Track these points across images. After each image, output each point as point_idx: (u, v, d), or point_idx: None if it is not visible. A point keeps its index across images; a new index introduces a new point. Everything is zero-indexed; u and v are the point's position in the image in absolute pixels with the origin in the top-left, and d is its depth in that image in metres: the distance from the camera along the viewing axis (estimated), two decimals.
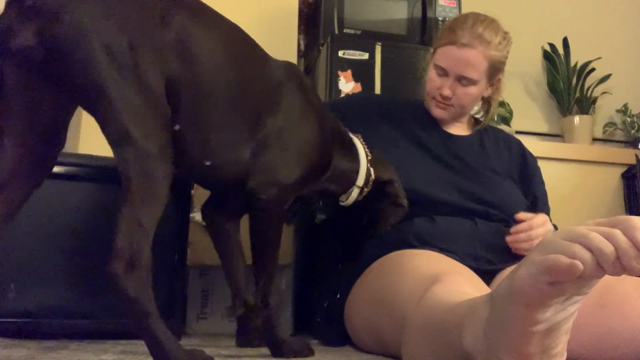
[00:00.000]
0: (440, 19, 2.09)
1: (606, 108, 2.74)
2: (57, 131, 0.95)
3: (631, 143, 2.68)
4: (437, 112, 1.45)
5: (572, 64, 2.64)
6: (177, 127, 0.97)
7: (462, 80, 1.38)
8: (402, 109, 1.53)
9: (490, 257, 1.27)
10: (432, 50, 1.48)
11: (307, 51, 2.31)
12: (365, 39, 1.99)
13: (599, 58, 2.62)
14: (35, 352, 1.01)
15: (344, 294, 1.32)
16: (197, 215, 1.54)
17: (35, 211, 1.22)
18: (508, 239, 1.29)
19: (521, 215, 1.30)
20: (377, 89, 1.95)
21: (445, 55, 1.38)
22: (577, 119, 2.60)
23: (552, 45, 2.65)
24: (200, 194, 1.34)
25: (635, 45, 2.86)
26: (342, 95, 1.92)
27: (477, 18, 1.38)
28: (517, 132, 2.39)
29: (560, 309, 0.59)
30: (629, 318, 0.93)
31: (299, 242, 1.79)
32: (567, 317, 0.60)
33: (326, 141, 1.20)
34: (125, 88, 0.84)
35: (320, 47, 2.03)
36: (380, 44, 1.96)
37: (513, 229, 1.29)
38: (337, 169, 1.24)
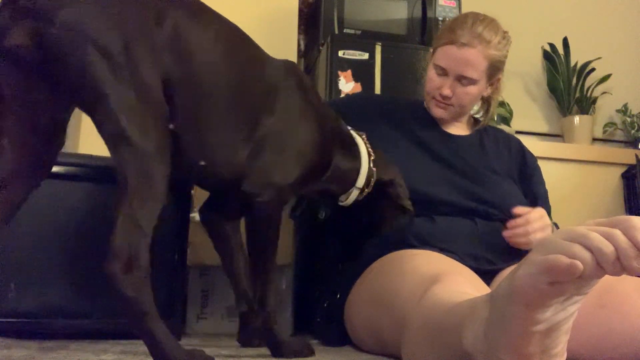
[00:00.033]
0: (440, 19, 2.09)
1: (606, 108, 2.74)
2: (56, 131, 0.95)
3: (631, 143, 2.68)
4: (437, 111, 1.45)
5: (572, 64, 2.64)
6: (171, 126, 0.96)
7: (462, 79, 1.38)
8: (401, 109, 1.53)
9: (490, 257, 1.27)
10: (431, 50, 1.48)
11: (307, 51, 2.31)
12: (365, 39, 1.99)
13: (599, 58, 2.62)
14: (35, 352, 1.01)
15: (344, 294, 1.32)
16: (197, 215, 1.54)
17: (35, 211, 1.22)
18: (505, 233, 1.29)
19: (518, 209, 1.30)
20: (377, 89, 1.95)
21: (445, 54, 1.38)
22: (577, 119, 2.60)
23: (552, 45, 2.65)
24: (200, 194, 1.34)
25: (635, 45, 2.86)
26: (342, 95, 1.92)
27: (477, 18, 1.38)
28: (517, 132, 2.39)
29: (560, 309, 0.59)
30: (629, 318, 0.93)
31: (299, 242, 1.79)
32: (567, 317, 0.60)
33: (326, 141, 1.19)
34: (121, 88, 0.84)
35: (320, 47, 2.03)
36: (380, 44, 1.96)
37: (510, 224, 1.29)
38: (337, 169, 1.22)
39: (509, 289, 0.60)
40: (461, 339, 0.68)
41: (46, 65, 0.84)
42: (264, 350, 1.08)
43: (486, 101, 1.52)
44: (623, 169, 2.39)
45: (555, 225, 1.44)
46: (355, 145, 1.28)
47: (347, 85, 1.92)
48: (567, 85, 2.63)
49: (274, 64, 1.16)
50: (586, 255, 0.54)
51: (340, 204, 1.30)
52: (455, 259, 1.19)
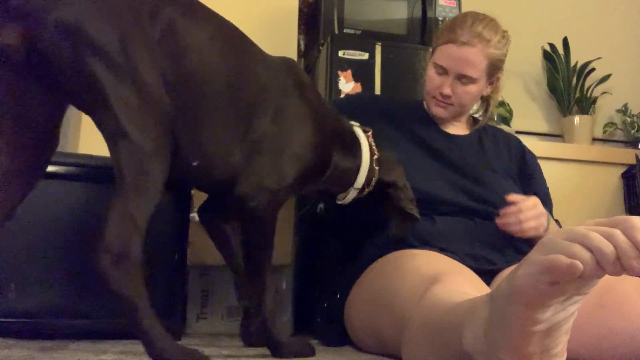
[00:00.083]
0: (440, 19, 2.09)
1: (606, 108, 2.74)
2: (50, 131, 0.94)
3: (631, 143, 2.68)
4: (437, 111, 1.45)
5: (572, 64, 2.64)
6: None
7: (462, 78, 1.38)
8: (401, 109, 1.53)
9: (490, 257, 1.27)
10: (431, 49, 1.48)
11: (307, 51, 2.31)
12: (365, 39, 1.99)
13: (599, 58, 2.62)
14: (35, 352, 1.01)
15: (344, 294, 1.32)
16: (197, 215, 1.54)
17: (35, 211, 1.22)
18: (497, 221, 1.29)
19: (512, 197, 1.30)
20: (377, 89, 1.95)
21: (445, 53, 1.38)
22: (577, 119, 2.60)
23: (552, 45, 2.65)
24: (200, 194, 1.34)
25: (635, 45, 2.86)
26: (342, 95, 1.92)
27: (477, 17, 1.38)
28: (517, 132, 2.39)
29: (560, 309, 0.59)
30: (629, 318, 0.93)
31: (299, 242, 1.79)
32: (567, 317, 0.60)
33: (324, 142, 1.16)
34: (121, 87, 0.84)
35: (320, 47, 2.03)
36: (380, 44, 1.96)
37: (503, 211, 1.29)
38: (337, 169, 1.20)
39: (509, 289, 0.60)
40: (461, 339, 0.68)
41: (39, 66, 0.84)
42: (264, 350, 1.08)
43: (485, 100, 1.52)
44: (623, 169, 2.39)
45: (557, 222, 1.44)
46: (356, 144, 1.25)
47: (347, 85, 1.92)
48: (567, 85, 2.63)
49: (271, 62, 1.14)
50: (586, 255, 0.54)
51: (338, 202, 1.29)
52: (455, 259, 1.19)
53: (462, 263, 1.19)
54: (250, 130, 1.06)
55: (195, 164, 1.02)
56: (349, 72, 1.92)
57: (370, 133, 1.29)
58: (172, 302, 1.37)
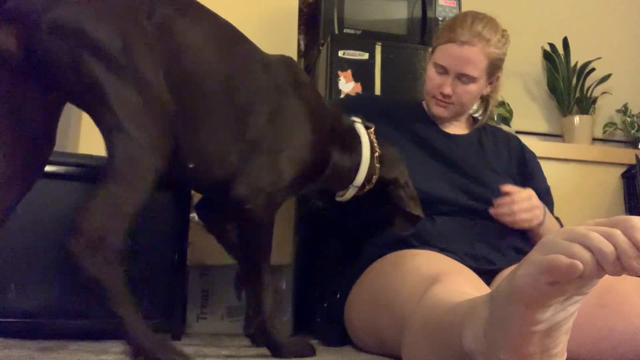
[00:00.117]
0: (440, 19, 2.09)
1: (606, 108, 2.74)
2: (47, 131, 0.93)
3: (631, 143, 2.68)
4: (438, 110, 1.45)
5: (572, 64, 2.64)
6: None
7: (463, 77, 1.39)
8: (400, 109, 1.53)
9: (490, 257, 1.27)
10: (430, 49, 1.48)
11: (307, 51, 2.31)
12: (365, 39, 1.99)
13: (599, 58, 2.62)
14: (35, 352, 1.01)
15: (344, 294, 1.32)
16: (197, 215, 1.54)
17: (35, 211, 1.22)
18: (491, 210, 1.30)
19: (506, 187, 1.31)
20: (377, 89, 1.95)
21: (445, 53, 1.38)
22: (577, 119, 2.60)
23: (552, 45, 2.65)
24: (200, 194, 1.33)
25: (635, 45, 2.86)
26: (342, 95, 1.92)
27: (476, 16, 1.39)
28: (517, 132, 2.38)
29: (560, 309, 0.59)
30: (629, 318, 0.93)
31: (299, 242, 1.79)
32: (567, 317, 0.60)
33: (322, 141, 1.15)
34: (120, 85, 0.83)
35: (320, 47, 2.03)
36: (380, 44, 1.96)
37: (496, 201, 1.30)
38: (336, 168, 1.19)
39: (509, 289, 0.60)
40: (461, 339, 0.68)
41: (37, 68, 0.83)
42: (264, 351, 1.08)
43: (485, 100, 1.53)
44: (623, 169, 2.38)
45: (558, 220, 1.44)
46: (357, 141, 1.24)
47: (347, 85, 1.92)
48: (567, 85, 2.63)
49: (269, 60, 1.13)
50: (586, 255, 0.54)
51: (337, 199, 1.29)
52: (455, 259, 1.19)
53: (462, 263, 1.19)
54: (247, 130, 1.04)
55: (191, 165, 1.01)
56: (349, 72, 1.92)
57: (372, 129, 1.27)
58: (172, 302, 1.37)
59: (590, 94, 2.63)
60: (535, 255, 0.58)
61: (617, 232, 0.54)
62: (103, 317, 1.29)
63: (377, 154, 1.24)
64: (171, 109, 0.90)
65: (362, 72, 1.93)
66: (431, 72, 1.43)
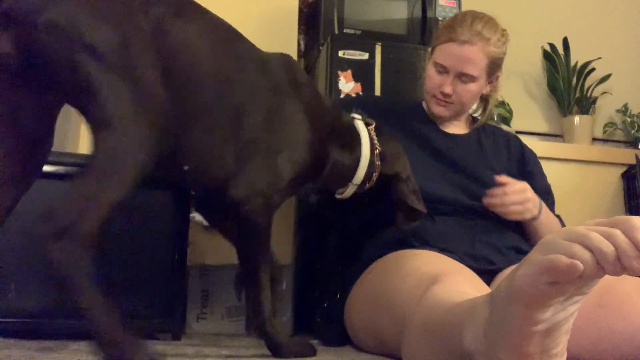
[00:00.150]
0: (440, 19, 2.09)
1: (606, 108, 2.74)
2: (43, 133, 0.93)
3: (631, 143, 2.67)
4: (438, 110, 1.46)
5: (572, 64, 2.64)
6: None
7: (463, 77, 1.39)
8: (400, 109, 1.54)
9: (490, 257, 1.27)
10: (430, 49, 1.48)
11: (307, 51, 2.31)
12: (365, 39, 1.99)
13: (599, 58, 2.62)
14: (35, 352, 1.01)
15: (344, 294, 1.32)
16: (197, 215, 1.54)
17: (35, 211, 1.22)
18: (483, 200, 1.32)
19: (500, 178, 1.32)
20: (377, 89, 1.95)
21: (445, 52, 1.38)
22: (577, 119, 2.59)
23: (552, 45, 2.65)
24: None
25: (635, 45, 2.86)
26: (342, 95, 1.92)
27: (476, 16, 1.39)
28: (517, 132, 2.38)
29: (560, 309, 0.59)
30: (629, 318, 0.93)
31: (299, 242, 1.79)
32: (567, 317, 0.60)
33: (320, 141, 1.14)
34: (114, 83, 0.82)
35: (320, 47, 2.03)
36: (380, 44, 1.96)
37: (489, 192, 1.31)
38: (335, 167, 1.18)
39: (509, 289, 0.60)
40: (461, 339, 0.68)
41: (34, 69, 0.82)
42: (264, 350, 1.08)
43: (484, 99, 1.53)
44: (623, 169, 2.38)
45: (559, 217, 1.45)
46: (356, 139, 1.23)
47: (347, 85, 1.92)
48: (567, 85, 2.63)
49: (266, 59, 1.11)
50: (586, 255, 0.54)
51: (337, 197, 1.28)
52: (455, 259, 1.19)
53: (462, 263, 1.19)
54: (243, 131, 1.03)
55: (186, 167, 1.00)
56: (349, 72, 1.92)
57: (372, 126, 1.26)
58: (172, 302, 1.37)
59: (590, 94, 2.63)
60: (535, 255, 0.58)
61: (618, 232, 0.54)
62: None
63: (377, 151, 1.23)
64: (168, 107, 0.89)
65: (362, 72, 1.93)
66: (431, 72, 1.43)
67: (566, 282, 0.55)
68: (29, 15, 0.80)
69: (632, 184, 2.33)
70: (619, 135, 2.73)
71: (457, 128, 1.51)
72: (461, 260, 1.21)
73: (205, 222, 1.54)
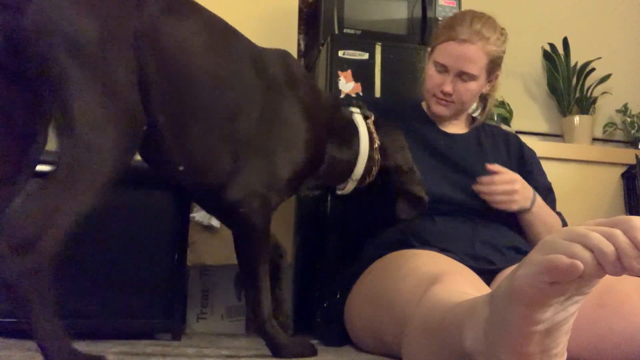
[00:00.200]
0: (440, 18, 2.09)
1: (606, 108, 2.74)
2: (33, 130, 0.90)
3: (631, 143, 2.67)
4: (438, 109, 1.46)
5: (572, 64, 2.64)
6: (145, 128, 0.90)
7: (463, 75, 1.39)
8: (399, 110, 1.54)
9: (490, 257, 1.27)
10: (429, 48, 1.49)
11: (307, 51, 2.31)
12: (365, 39, 1.99)
13: (599, 58, 2.62)
14: (35, 352, 1.01)
15: (344, 294, 1.32)
16: (197, 215, 1.54)
17: None
18: (473, 186, 1.34)
19: (490, 167, 1.35)
20: (377, 89, 1.95)
21: (445, 51, 1.39)
22: (577, 119, 2.59)
23: (552, 45, 2.65)
24: None
25: (635, 45, 2.86)
26: (342, 95, 1.92)
27: (475, 15, 1.40)
28: (517, 132, 2.38)
29: (560, 309, 0.59)
30: (629, 318, 0.92)
31: (299, 242, 1.79)
32: (567, 317, 0.60)
33: (317, 137, 1.13)
34: (83, 82, 0.79)
35: (320, 47, 2.03)
36: (380, 44, 1.96)
37: (478, 179, 1.34)
38: (332, 162, 1.17)
39: (509, 289, 0.60)
40: (461, 339, 0.68)
41: (17, 61, 0.80)
42: (264, 350, 1.08)
43: (483, 99, 1.53)
44: (623, 169, 2.38)
45: (560, 215, 1.45)
46: (354, 134, 1.21)
47: (347, 85, 1.91)
48: (567, 85, 2.63)
49: (262, 56, 1.10)
50: (586, 255, 0.54)
51: (338, 192, 1.28)
52: (455, 259, 1.19)
53: (462, 263, 1.19)
54: (238, 131, 1.02)
55: (181, 168, 0.99)
56: (349, 72, 1.92)
57: (371, 120, 1.25)
58: (172, 302, 1.37)
59: (590, 94, 2.63)
60: (535, 255, 0.58)
61: (618, 232, 0.54)
62: (103, 317, 1.30)
63: (376, 144, 1.22)
64: (141, 111, 0.86)
65: (362, 72, 1.93)
66: (431, 71, 1.43)
67: (566, 282, 0.55)
68: (19, 2, 0.79)
69: (632, 184, 2.33)
70: (619, 135, 2.73)
71: (457, 127, 1.52)
72: (461, 260, 1.20)
73: (205, 222, 1.55)
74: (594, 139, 2.67)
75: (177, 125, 0.97)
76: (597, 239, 0.54)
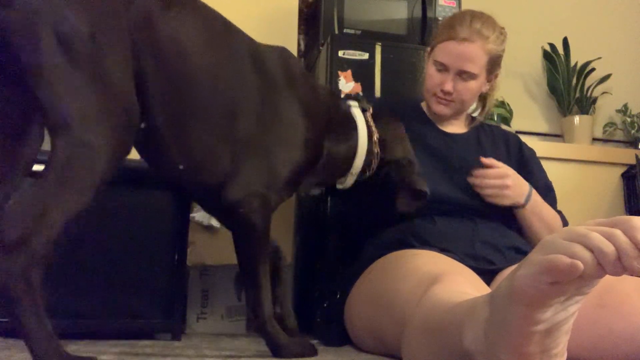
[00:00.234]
0: (440, 19, 2.09)
1: (606, 108, 2.74)
2: (29, 129, 0.88)
3: (631, 143, 2.67)
4: (438, 108, 1.46)
5: (572, 64, 2.64)
6: (142, 125, 0.89)
7: (463, 74, 1.39)
8: (399, 109, 1.54)
9: (490, 257, 1.27)
10: (429, 48, 1.49)
11: (307, 51, 2.31)
12: (365, 39, 1.99)
13: (599, 58, 2.62)
14: None
15: (344, 294, 1.32)
16: (197, 215, 1.54)
17: None
18: (467, 178, 1.36)
19: (484, 160, 1.36)
20: (377, 89, 1.95)
21: (445, 50, 1.39)
22: (577, 119, 2.60)
23: (552, 45, 2.65)
24: None
25: (635, 45, 2.86)
26: (342, 95, 1.91)
27: (474, 14, 1.41)
28: (517, 132, 2.38)
29: (560, 309, 0.59)
30: (629, 318, 0.92)
31: (299, 242, 1.79)
32: (567, 317, 0.60)
33: (315, 135, 1.12)
34: (73, 76, 0.78)
35: (320, 47, 2.03)
36: (380, 44, 1.96)
37: (471, 171, 1.36)
38: (330, 158, 1.17)
39: (509, 289, 0.60)
40: (461, 339, 0.68)
41: (6, 57, 0.78)
42: (264, 350, 1.08)
43: (483, 98, 1.53)
44: (623, 169, 2.38)
45: (560, 213, 1.45)
46: (352, 127, 1.20)
47: (347, 85, 1.91)
48: (567, 85, 2.63)
49: (260, 52, 1.09)
50: (587, 255, 0.54)
51: (338, 186, 1.27)
52: (455, 259, 1.19)
53: (462, 263, 1.19)
54: (237, 129, 1.01)
55: (181, 167, 0.98)
56: (349, 72, 1.92)
57: (369, 112, 1.25)
58: (172, 302, 1.37)
59: (590, 94, 2.63)
60: (535, 255, 0.58)
61: (618, 232, 0.54)
62: (103, 317, 1.30)
63: (375, 137, 1.21)
64: (136, 108, 0.85)
65: (362, 72, 1.93)
66: (431, 70, 1.44)
67: (567, 282, 0.55)
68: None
69: (632, 184, 2.33)
70: (619, 135, 2.73)
71: (456, 127, 1.52)
72: (461, 260, 1.20)
73: (205, 222, 1.55)
74: (594, 139, 2.67)
75: (176, 123, 0.96)
76: (598, 239, 0.54)
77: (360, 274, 1.29)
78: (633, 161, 2.32)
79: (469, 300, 0.73)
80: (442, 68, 1.41)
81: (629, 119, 2.67)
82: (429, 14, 2.09)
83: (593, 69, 2.62)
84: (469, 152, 1.45)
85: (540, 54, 2.72)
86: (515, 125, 2.51)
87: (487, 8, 1.44)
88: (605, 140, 2.73)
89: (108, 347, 1.13)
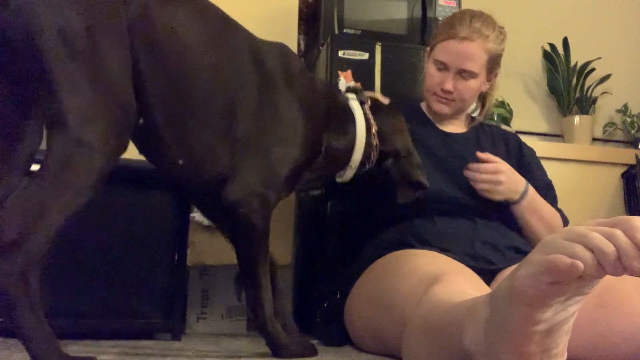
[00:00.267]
0: (440, 18, 2.09)
1: (606, 108, 2.74)
2: (27, 128, 0.88)
3: (631, 143, 2.67)
4: (439, 107, 1.46)
5: (572, 64, 2.64)
6: (141, 121, 0.88)
7: (463, 73, 1.40)
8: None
9: (490, 257, 1.27)
10: (429, 48, 1.49)
11: (307, 51, 2.31)
12: (365, 39, 1.99)
13: (599, 58, 2.62)
14: None
15: (344, 294, 1.32)
16: (197, 215, 1.54)
17: None
18: (464, 172, 1.37)
19: (480, 155, 1.37)
20: (377, 89, 1.95)
21: (445, 49, 1.39)
22: (577, 119, 2.60)
23: (552, 45, 2.65)
24: None
25: (635, 45, 2.86)
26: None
27: (474, 14, 1.41)
28: (517, 132, 2.38)
29: (560, 309, 0.59)
30: (629, 318, 0.92)
31: (299, 242, 1.79)
32: (567, 317, 0.60)
33: (314, 131, 1.12)
34: (71, 74, 0.77)
35: (320, 47, 2.03)
36: (380, 44, 1.96)
37: (467, 165, 1.36)
38: (329, 152, 1.16)
39: (509, 289, 0.60)
40: (461, 339, 0.68)
41: (3, 54, 0.78)
42: (264, 350, 1.08)
43: (482, 98, 1.53)
44: (623, 169, 2.38)
45: (561, 212, 1.45)
46: (350, 120, 1.20)
47: (347, 85, 1.91)
48: (567, 85, 2.63)
49: (259, 49, 1.09)
50: (587, 255, 0.54)
51: (338, 180, 1.27)
52: (455, 259, 1.19)
53: (462, 263, 1.19)
54: (236, 126, 1.01)
55: (180, 162, 0.98)
56: (349, 72, 1.92)
57: (367, 104, 1.24)
58: (172, 302, 1.37)
59: (590, 94, 2.63)
60: (535, 255, 0.58)
61: (618, 232, 0.54)
62: (103, 317, 1.30)
63: (374, 129, 1.21)
64: (133, 105, 0.84)
65: (362, 72, 1.92)
66: (431, 69, 1.44)
67: (567, 282, 0.55)
68: None
69: (632, 184, 2.33)
70: (619, 135, 2.73)
71: (456, 127, 1.52)
72: (461, 260, 1.20)
73: (205, 222, 1.55)
74: (594, 139, 2.67)
75: (175, 118, 0.96)
76: (598, 239, 0.54)
77: (360, 274, 1.29)
78: (633, 161, 2.32)
79: (469, 300, 0.73)
80: (443, 67, 1.41)
81: (629, 119, 2.67)
82: (429, 14, 2.09)
83: (593, 69, 2.62)
84: (469, 152, 1.45)
85: (540, 54, 2.72)
86: (515, 125, 2.50)
87: (487, 8, 1.44)
88: (605, 140, 2.73)
89: (108, 347, 1.13)
